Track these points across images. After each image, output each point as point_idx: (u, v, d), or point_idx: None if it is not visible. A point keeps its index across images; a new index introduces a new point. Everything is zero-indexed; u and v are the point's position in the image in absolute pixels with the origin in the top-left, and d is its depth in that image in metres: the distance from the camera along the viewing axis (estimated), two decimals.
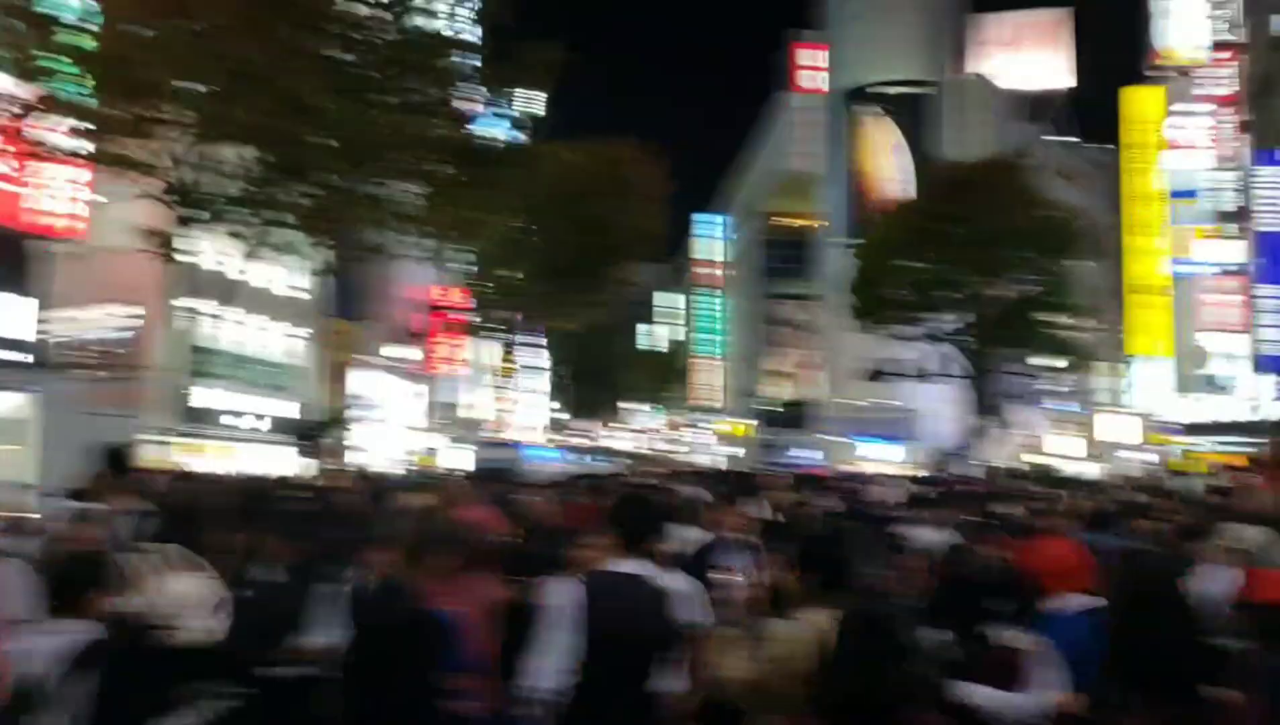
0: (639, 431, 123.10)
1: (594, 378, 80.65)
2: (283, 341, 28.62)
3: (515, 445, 30.51)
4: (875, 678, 3.04)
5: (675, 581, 4.10)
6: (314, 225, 16.70)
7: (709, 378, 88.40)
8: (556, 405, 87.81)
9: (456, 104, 17.32)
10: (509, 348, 42.68)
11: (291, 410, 27.70)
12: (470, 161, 17.29)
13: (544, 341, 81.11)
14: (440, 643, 4.11)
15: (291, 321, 28.55)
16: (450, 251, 34.65)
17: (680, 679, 3.94)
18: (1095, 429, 64.00)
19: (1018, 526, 7.15)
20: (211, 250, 19.13)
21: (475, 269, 33.96)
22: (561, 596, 4.03)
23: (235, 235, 17.34)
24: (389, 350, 25.44)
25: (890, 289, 35.46)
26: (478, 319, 35.27)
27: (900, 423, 57.95)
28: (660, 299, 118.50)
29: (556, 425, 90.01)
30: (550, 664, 3.88)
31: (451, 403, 42.44)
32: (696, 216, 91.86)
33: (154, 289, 17.29)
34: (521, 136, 28.20)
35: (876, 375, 40.50)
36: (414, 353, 35.23)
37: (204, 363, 24.07)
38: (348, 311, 31.78)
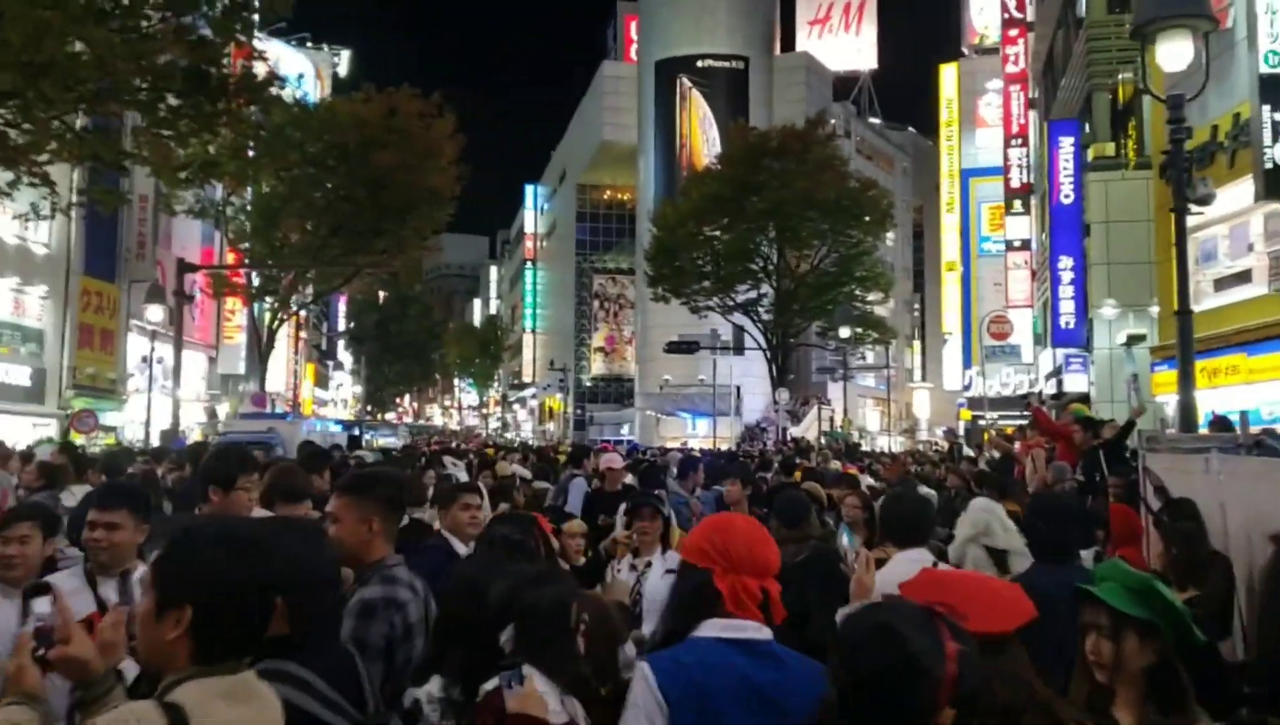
0: (458, 408, 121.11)
1: (410, 351, 78.11)
2: (7, 297, 25.45)
3: (285, 415, 28.25)
4: None
5: None
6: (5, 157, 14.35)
7: (529, 353, 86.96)
8: (355, 379, 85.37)
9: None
10: (297, 315, 40.08)
11: (21, 376, 24.76)
12: (201, 94, 15.21)
13: (342, 310, 78.64)
14: None
15: (21, 277, 25.48)
16: (230, 209, 32.27)
17: None
18: (903, 403, 66.13)
19: None
20: None
21: (248, 227, 31.47)
22: None
23: None
24: (154, 313, 22.91)
25: (687, 259, 34.80)
26: (256, 282, 32.70)
27: (719, 398, 58.02)
28: (493, 273, 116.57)
29: (371, 399, 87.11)
30: None
31: (235, 374, 39.68)
32: (527, 187, 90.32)
33: None
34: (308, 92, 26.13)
35: (674, 347, 39.81)
36: (187, 318, 32.40)
37: None
38: (101, 268, 28.85)
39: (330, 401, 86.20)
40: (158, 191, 28.69)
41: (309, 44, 61.33)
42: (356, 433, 31.07)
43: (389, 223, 31.85)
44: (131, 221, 29.90)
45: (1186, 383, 7.90)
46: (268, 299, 32.96)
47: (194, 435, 25.44)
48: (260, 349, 33.34)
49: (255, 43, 18.16)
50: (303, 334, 48.98)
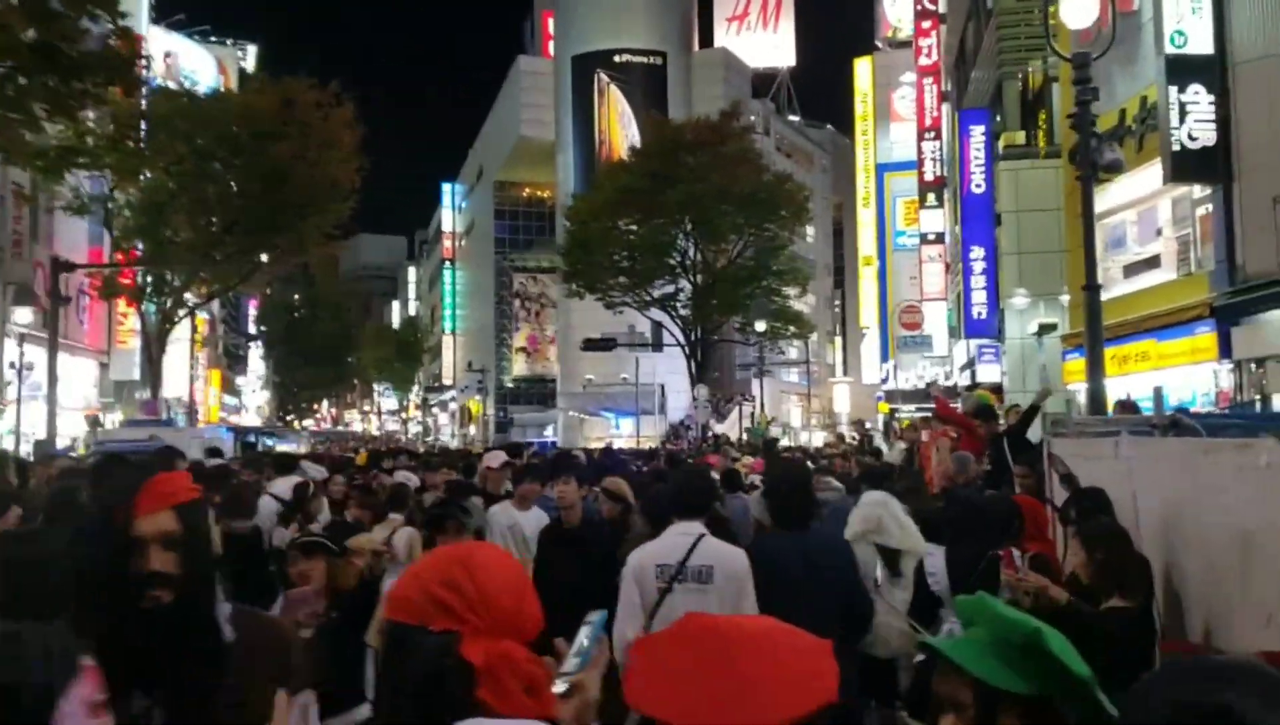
0: (378, 412, 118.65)
1: (322, 354, 75.94)
2: None
3: (170, 422, 26.80)
4: None
5: None
6: None
7: (449, 355, 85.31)
8: (265, 384, 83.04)
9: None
10: (194, 316, 38.42)
11: None
12: (52, 72, 13.98)
13: (252, 314, 76.38)
14: None
15: None
16: (113, 205, 30.61)
17: None
18: (826, 399, 66.20)
19: None
20: None
21: (131, 224, 29.87)
22: None
23: None
24: (22, 316, 21.47)
25: (602, 253, 33.96)
26: (149, 283, 31.10)
27: (644, 397, 57.28)
28: (412, 274, 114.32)
29: (282, 405, 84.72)
30: None
31: (129, 381, 37.85)
32: (445, 185, 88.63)
33: None
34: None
35: (591, 345, 38.89)
36: (74, 322, 30.73)
37: None
38: None
39: (240, 408, 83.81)
40: (34, 186, 27.03)
41: (212, 38, 59.49)
42: (251, 439, 29.62)
43: (287, 218, 30.50)
44: (5, 218, 28.14)
45: (1095, 366, 7.31)
46: (158, 300, 31.35)
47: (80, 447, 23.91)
48: (151, 353, 31.73)
49: (154, 33, 16.91)
50: (202, 337, 47.02)
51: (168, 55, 47.62)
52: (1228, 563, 3.24)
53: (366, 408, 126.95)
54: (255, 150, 28.98)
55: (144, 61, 17.91)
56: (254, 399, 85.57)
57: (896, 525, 5.41)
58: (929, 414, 19.25)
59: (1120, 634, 3.19)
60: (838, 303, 77.40)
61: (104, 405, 35.40)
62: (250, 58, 63.60)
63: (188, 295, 32.49)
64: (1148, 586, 3.71)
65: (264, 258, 32.64)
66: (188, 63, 51.30)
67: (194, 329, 42.30)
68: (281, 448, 35.23)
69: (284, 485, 8.49)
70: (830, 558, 4.52)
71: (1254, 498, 2.96)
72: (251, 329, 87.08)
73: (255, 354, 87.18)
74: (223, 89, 42.63)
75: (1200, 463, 3.47)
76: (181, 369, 43.02)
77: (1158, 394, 4.45)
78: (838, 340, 77.13)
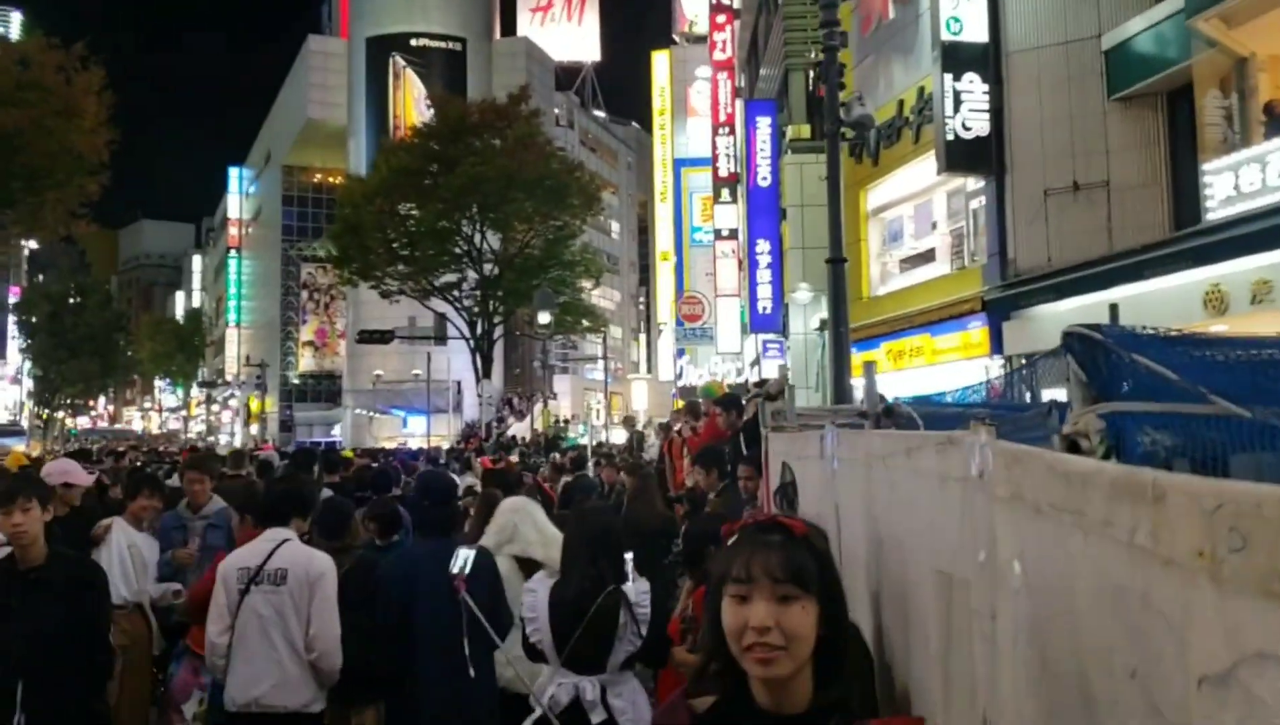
0: (159, 410, 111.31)
1: (88, 346, 69.94)
2: None
3: None
4: None
5: None
6: None
7: (233, 349, 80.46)
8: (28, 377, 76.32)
9: None
10: None
11: None
12: None
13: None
14: None
15: None
16: None
17: None
18: (626, 396, 65.62)
19: None
20: None
21: None
22: None
23: None
24: None
25: (377, 239, 31.84)
26: None
27: (438, 395, 54.96)
28: (197, 263, 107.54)
29: (42, 400, 77.77)
30: None
31: None
32: (232, 170, 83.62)
33: None
34: None
35: (366, 338, 36.66)
36: None
37: None
38: None
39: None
40: None
41: None
42: None
43: (19, 190, 27.29)
44: None
45: (841, 348, 6.30)
46: None
47: None
48: None
49: None
50: None
51: None
52: (926, 629, 2.10)
53: (148, 405, 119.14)
54: None
55: None
56: (11, 394, 78.48)
57: (537, 535, 4.77)
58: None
59: None
60: (642, 300, 77.19)
61: None
62: (14, 26, 58.26)
63: None
64: (864, 666, 2.55)
65: None
66: None
67: None
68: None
69: None
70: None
71: (956, 523, 1.82)
72: (11, 319, 79.96)
73: (15, 346, 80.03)
74: None
75: (899, 468, 2.34)
76: None
77: (869, 372, 3.34)
78: (642, 337, 76.89)
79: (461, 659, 4.26)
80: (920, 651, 2.20)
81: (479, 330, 34.16)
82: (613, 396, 62.92)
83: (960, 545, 1.86)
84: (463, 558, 4.03)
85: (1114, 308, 4.07)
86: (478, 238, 32.91)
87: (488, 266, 33.27)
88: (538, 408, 45.80)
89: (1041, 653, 1.51)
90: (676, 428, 10.02)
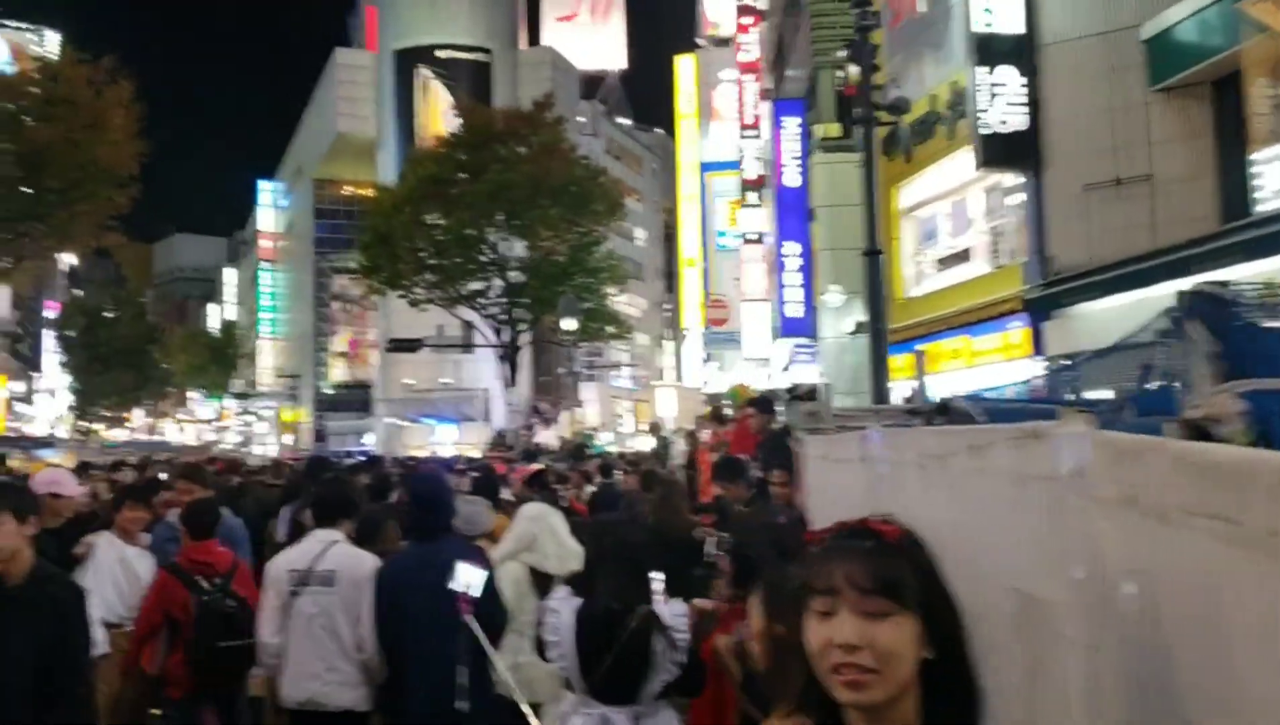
0: (194, 421, 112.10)
1: (122, 359, 70.47)
2: None
3: None
4: None
5: None
6: None
7: (268, 360, 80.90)
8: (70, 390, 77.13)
9: None
10: None
11: None
12: None
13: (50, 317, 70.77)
14: None
15: None
16: None
17: None
18: (651, 402, 65.23)
19: None
20: None
21: None
22: None
23: None
24: None
25: (405, 248, 31.71)
26: None
27: (467, 403, 54.83)
28: (229, 276, 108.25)
29: (82, 413, 78.50)
30: None
31: None
32: (262, 183, 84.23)
33: None
34: None
35: (396, 346, 36.44)
36: None
37: None
38: None
39: (33, 417, 77.62)
40: None
41: (7, 22, 55.03)
42: None
43: (51, 206, 27.43)
44: None
45: (879, 342, 5.95)
46: None
47: None
48: None
49: None
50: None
51: None
52: (1007, 654, 1.76)
53: (183, 416, 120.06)
54: (14, 131, 26.00)
55: None
56: (52, 407, 79.46)
57: (555, 545, 4.61)
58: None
59: None
60: (668, 307, 76.78)
61: None
62: (50, 43, 58.98)
63: None
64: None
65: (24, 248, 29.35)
66: None
67: None
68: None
69: None
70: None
71: (1039, 532, 1.49)
72: (51, 333, 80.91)
73: (55, 360, 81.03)
74: None
75: (962, 469, 1.99)
76: None
77: (919, 364, 3.00)
78: (669, 344, 76.43)
79: (450, 671, 4.02)
80: (994, 684, 1.87)
81: (505, 338, 33.97)
82: (639, 403, 62.54)
83: (1045, 559, 1.53)
84: (466, 577, 3.77)
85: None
86: (503, 245, 32.76)
87: (513, 274, 33.08)
88: (564, 415, 45.52)
89: (1169, 703, 1.17)
90: (702, 435, 9.68)
